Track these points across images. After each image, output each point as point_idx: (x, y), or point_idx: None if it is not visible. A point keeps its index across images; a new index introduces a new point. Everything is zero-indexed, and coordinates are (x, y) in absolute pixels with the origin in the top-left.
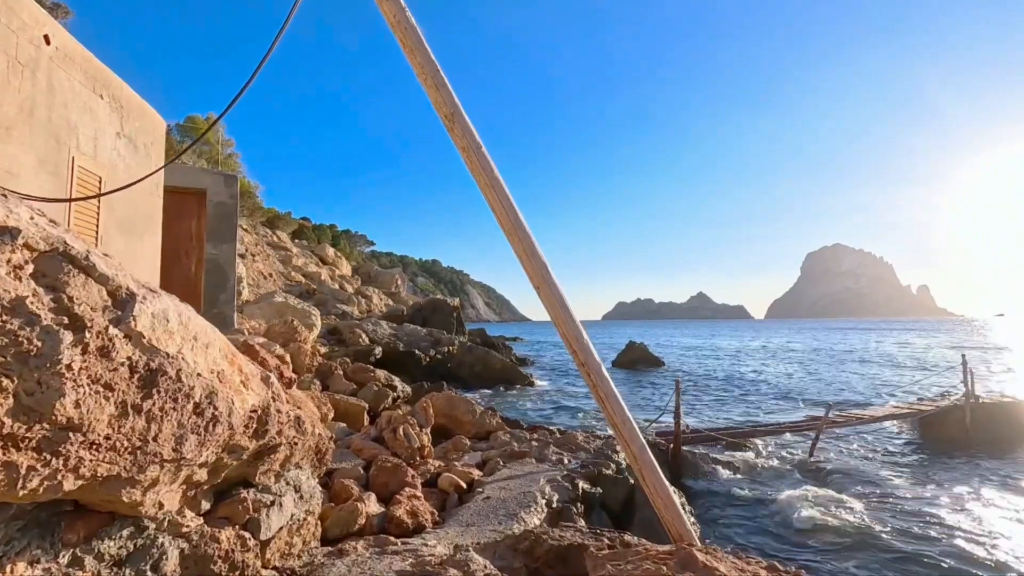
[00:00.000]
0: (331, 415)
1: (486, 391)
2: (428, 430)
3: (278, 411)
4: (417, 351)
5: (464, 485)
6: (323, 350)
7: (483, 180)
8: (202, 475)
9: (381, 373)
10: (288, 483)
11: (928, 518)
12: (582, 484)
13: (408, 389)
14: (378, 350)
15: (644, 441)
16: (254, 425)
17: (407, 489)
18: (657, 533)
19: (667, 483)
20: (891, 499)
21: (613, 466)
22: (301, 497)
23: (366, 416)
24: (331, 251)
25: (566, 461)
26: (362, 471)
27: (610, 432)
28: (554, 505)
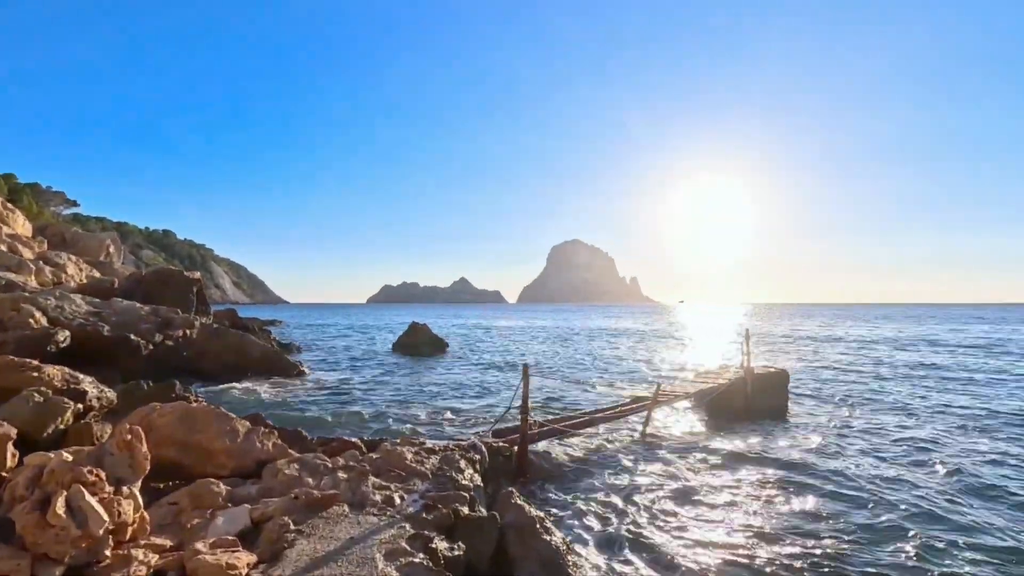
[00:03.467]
0: None
1: (242, 387)
2: (137, 485)
3: None
4: (134, 336)
5: None
6: None
7: None
8: None
9: (54, 371)
10: None
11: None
12: (440, 545)
13: (111, 395)
14: (63, 335)
15: None
16: None
17: None
18: None
19: None
20: (725, 472)
21: (467, 497)
22: None
23: (11, 452)
24: None
25: (398, 501)
26: None
27: (440, 436)
28: None
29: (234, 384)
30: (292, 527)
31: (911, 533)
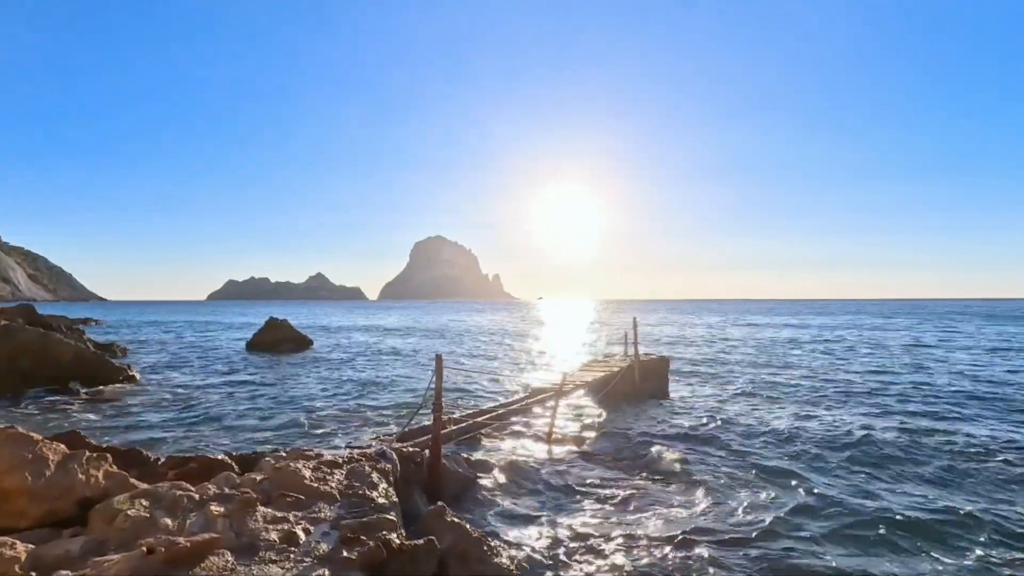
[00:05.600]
0: None
1: (47, 400)
2: None
3: None
4: None
5: None
6: None
7: None
8: None
9: None
10: None
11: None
12: None
13: None
14: None
15: None
16: None
17: None
18: None
19: None
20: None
21: (393, 520)
22: None
23: None
24: None
25: (303, 536)
26: None
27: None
28: None
29: (35, 397)
30: None
31: (792, 488)
